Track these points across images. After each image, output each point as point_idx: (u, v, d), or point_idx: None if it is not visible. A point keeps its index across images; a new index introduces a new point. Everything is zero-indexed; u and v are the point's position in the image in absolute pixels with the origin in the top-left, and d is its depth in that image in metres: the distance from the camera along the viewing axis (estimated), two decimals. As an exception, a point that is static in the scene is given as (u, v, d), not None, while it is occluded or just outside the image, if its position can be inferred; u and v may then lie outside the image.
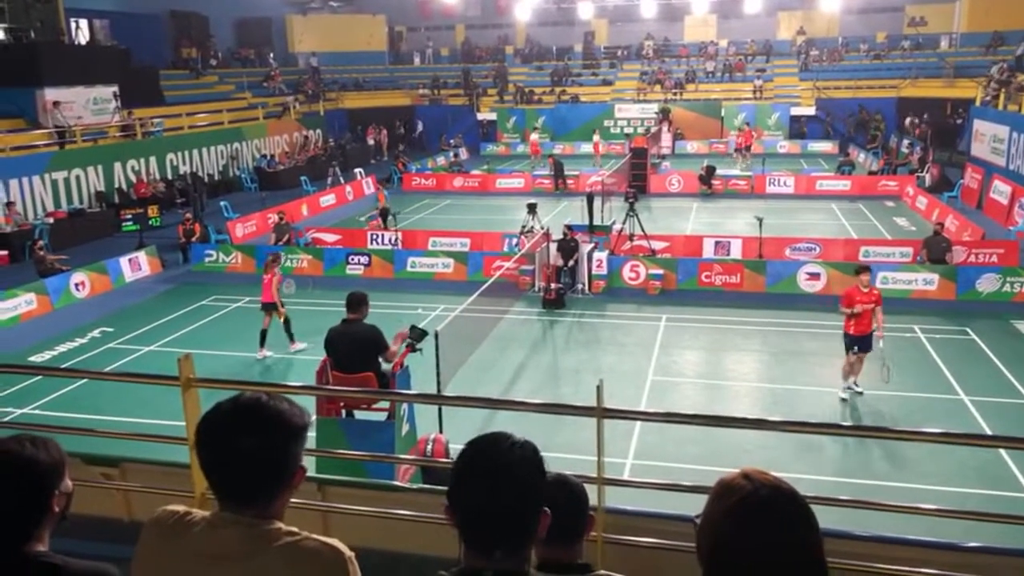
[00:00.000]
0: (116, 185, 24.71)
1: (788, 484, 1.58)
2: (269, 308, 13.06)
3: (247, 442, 1.79)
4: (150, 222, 21.55)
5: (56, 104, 23.87)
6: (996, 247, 17.32)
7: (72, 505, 2.10)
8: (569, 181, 28.44)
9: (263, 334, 13.05)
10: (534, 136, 35.95)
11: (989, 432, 9.51)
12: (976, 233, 18.61)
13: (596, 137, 35.48)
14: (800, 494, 1.57)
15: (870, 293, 10.83)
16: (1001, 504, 8.08)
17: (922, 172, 26.91)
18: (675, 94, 39.99)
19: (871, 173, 28.92)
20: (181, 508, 1.90)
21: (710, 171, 27.53)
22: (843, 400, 10.91)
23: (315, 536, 1.81)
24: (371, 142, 38.56)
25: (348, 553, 1.81)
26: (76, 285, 16.66)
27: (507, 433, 1.74)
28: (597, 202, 19.29)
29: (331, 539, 1.82)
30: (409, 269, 17.94)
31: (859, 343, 10.81)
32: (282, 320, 13.15)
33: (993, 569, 3.21)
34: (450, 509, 1.69)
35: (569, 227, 16.87)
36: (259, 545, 1.78)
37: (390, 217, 21.03)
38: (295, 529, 1.83)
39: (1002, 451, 9.06)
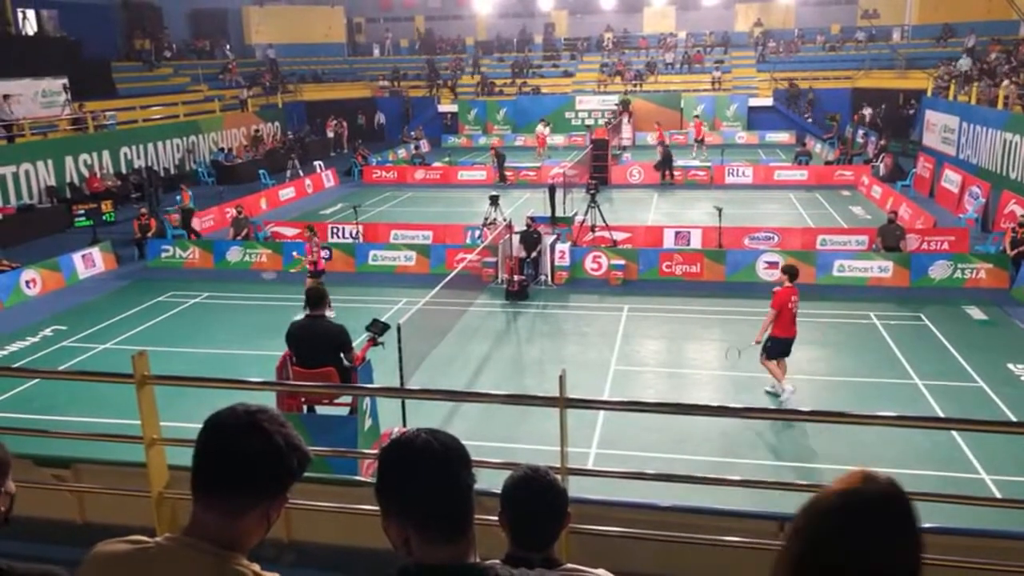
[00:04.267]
0: (68, 180, 24.08)
1: (896, 487, 1.50)
2: None
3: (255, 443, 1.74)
4: (104, 217, 21.05)
5: (6, 97, 23.18)
6: (947, 235, 17.74)
7: (22, 507, 2.04)
8: (508, 174, 28.39)
9: None
10: (543, 129, 34.58)
11: (942, 415, 9.72)
12: (928, 221, 19.03)
13: (540, 128, 34.46)
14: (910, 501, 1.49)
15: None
16: (954, 485, 8.29)
17: (876, 162, 27.46)
18: (635, 86, 40.21)
19: (827, 163, 29.42)
20: (116, 547, 1.74)
21: (666, 154, 27.61)
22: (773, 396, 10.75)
23: None
24: (330, 135, 38.14)
25: None
26: (27, 283, 16.22)
27: (420, 429, 1.75)
28: (559, 194, 19.32)
29: None
30: (371, 262, 17.79)
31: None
32: None
33: (946, 549, 3.28)
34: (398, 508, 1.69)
35: (532, 219, 16.89)
36: None
37: (193, 219, 20.42)
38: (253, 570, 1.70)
39: (955, 433, 9.29)
